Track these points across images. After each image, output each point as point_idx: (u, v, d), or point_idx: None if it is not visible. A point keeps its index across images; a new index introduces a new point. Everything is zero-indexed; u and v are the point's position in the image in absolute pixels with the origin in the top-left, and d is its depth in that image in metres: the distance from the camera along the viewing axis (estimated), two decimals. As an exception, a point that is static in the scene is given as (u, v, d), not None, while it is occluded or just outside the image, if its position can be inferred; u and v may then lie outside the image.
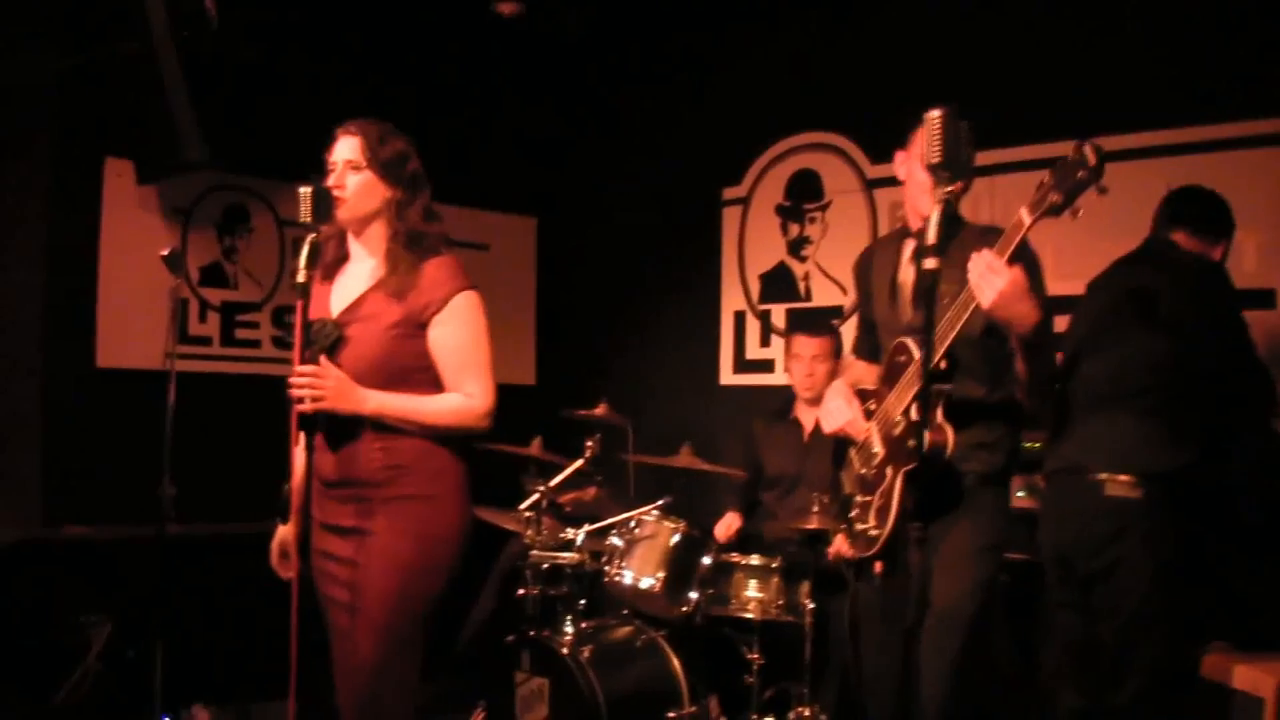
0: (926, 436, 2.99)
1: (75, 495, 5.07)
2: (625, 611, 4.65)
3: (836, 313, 5.55)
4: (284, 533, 3.17)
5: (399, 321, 2.98)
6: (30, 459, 5.07)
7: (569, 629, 4.27)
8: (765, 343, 5.87)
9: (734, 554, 4.53)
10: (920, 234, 3.25)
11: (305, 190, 2.95)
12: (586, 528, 4.43)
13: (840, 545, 4.37)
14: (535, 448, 4.68)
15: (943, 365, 3.01)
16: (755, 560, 4.49)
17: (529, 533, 4.33)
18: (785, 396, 5.30)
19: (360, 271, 3.10)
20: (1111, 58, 4.70)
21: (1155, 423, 3.42)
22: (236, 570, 5.09)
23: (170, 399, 4.19)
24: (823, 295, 5.68)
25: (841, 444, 3.55)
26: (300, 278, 2.93)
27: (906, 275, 3.34)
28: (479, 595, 5.00)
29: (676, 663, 4.34)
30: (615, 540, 4.46)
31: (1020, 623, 4.10)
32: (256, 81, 5.16)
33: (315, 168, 5.19)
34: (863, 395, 3.45)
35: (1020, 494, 4.23)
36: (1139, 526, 3.30)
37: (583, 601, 4.43)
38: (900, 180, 3.39)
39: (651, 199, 6.27)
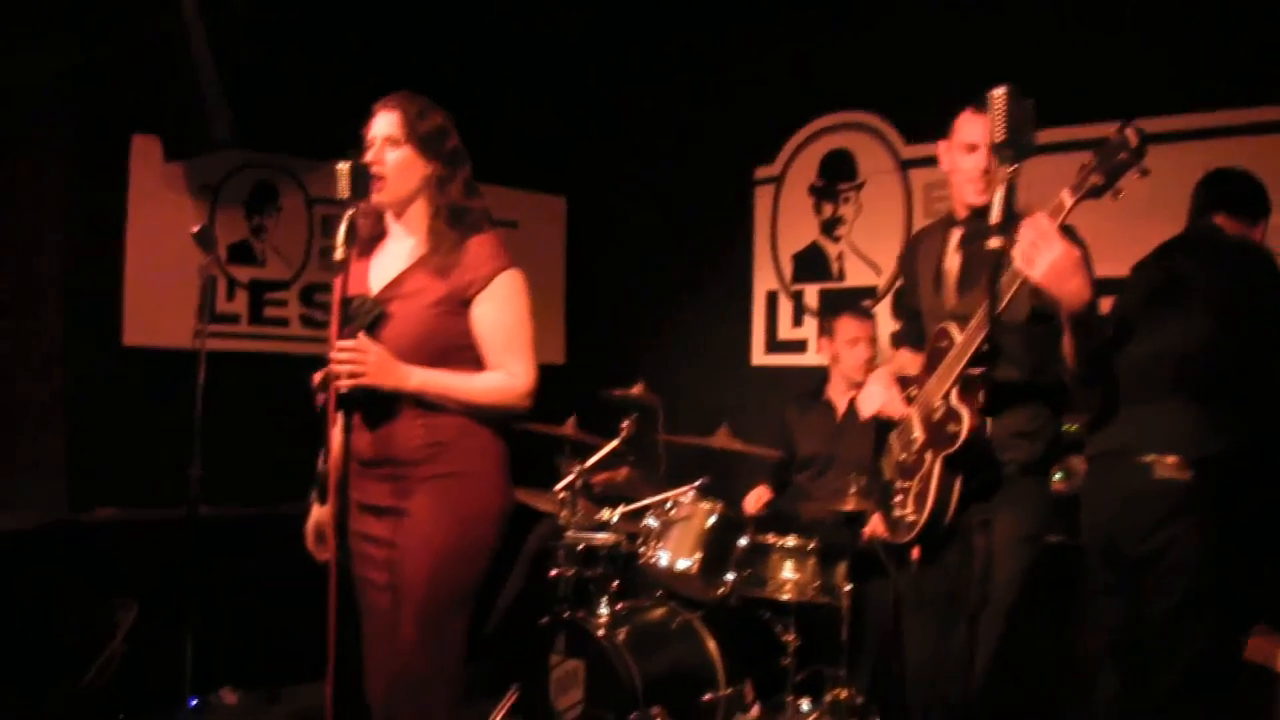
0: (966, 421, 3.04)
1: (101, 477, 5.05)
2: (659, 593, 4.62)
3: (870, 293, 5.49)
4: (320, 514, 3.10)
5: (442, 299, 2.93)
6: (56, 440, 5.04)
7: (604, 611, 4.22)
8: (798, 323, 5.81)
9: (770, 535, 4.48)
10: (966, 222, 3.30)
11: (343, 166, 2.89)
12: (622, 508, 4.39)
13: (875, 525, 4.37)
14: (570, 427, 4.63)
15: (985, 348, 3.00)
16: (791, 542, 4.44)
17: (564, 513, 4.29)
18: (818, 378, 5.25)
19: (400, 248, 3.05)
20: (1150, 39, 4.63)
21: (1202, 406, 3.37)
22: (265, 552, 5.08)
23: (200, 379, 4.14)
24: (856, 276, 5.62)
25: (883, 430, 3.54)
26: (338, 254, 2.87)
27: (952, 263, 3.34)
28: (508, 577, 4.97)
29: (712, 645, 4.30)
30: (651, 521, 4.41)
31: (1056, 606, 4.06)
32: (286, 58, 5.10)
33: (346, 145, 5.15)
34: (904, 382, 3.44)
35: (1056, 477, 4.17)
36: (1189, 510, 3.25)
37: (615, 583, 4.39)
38: (944, 169, 3.37)
39: (683, 178, 6.20)
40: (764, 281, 5.94)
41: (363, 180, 2.90)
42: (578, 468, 4.31)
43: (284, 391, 4.93)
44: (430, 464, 2.93)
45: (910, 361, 3.56)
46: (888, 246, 5.47)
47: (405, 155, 2.97)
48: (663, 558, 4.35)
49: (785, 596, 4.37)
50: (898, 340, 3.77)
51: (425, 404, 2.92)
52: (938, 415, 3.17)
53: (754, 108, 5.94)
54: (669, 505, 4.42)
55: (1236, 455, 3.32)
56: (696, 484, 4.40)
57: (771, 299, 5.91)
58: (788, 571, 4.43)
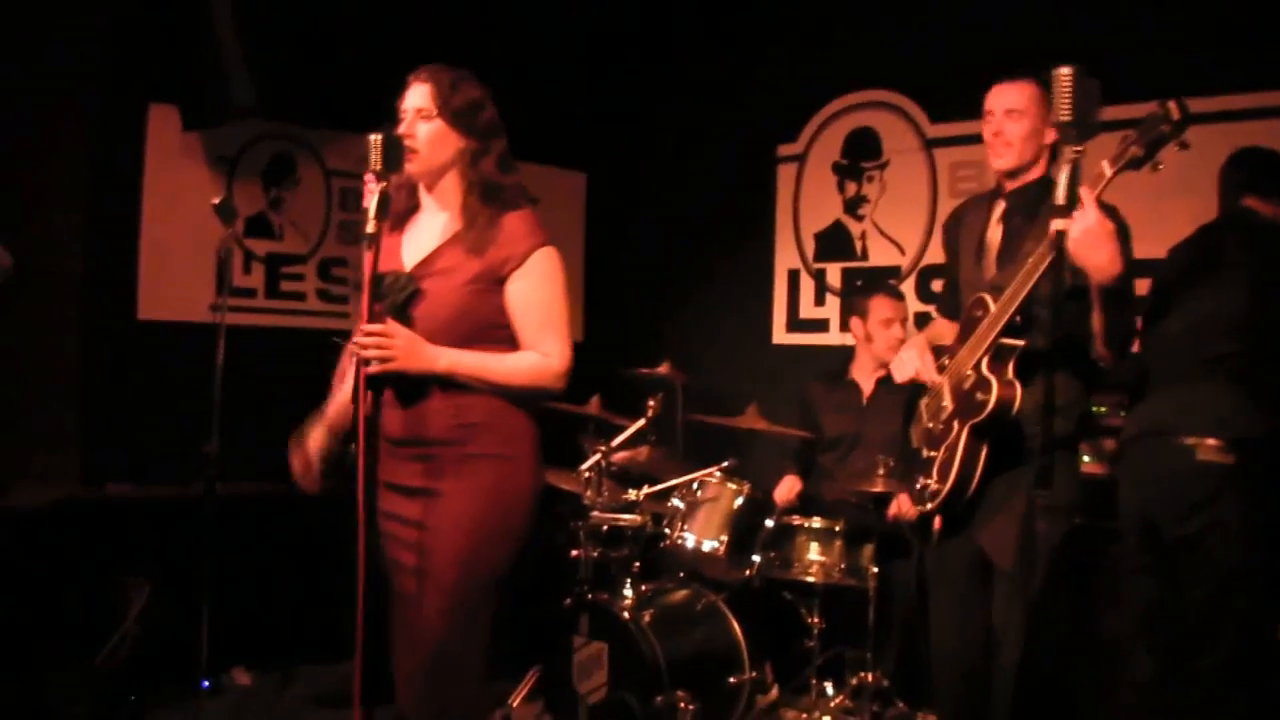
0: (995, 390, 3.04)
1: (115, 453, 4.98)
2: (681, 574, 4.57)
3: (894, 272, 5.44)
4: (313, 440, 3.18)
5: (476, 277, 2.85)
6: (70, 415, 4.98)
7: (629, 592, 4.17)
8: (820, 302, 5.76)
9: (795, 517, 4.44)
10: (1010, 195, 3.27)
11: (375, 138, 2.80)
12: (647, 489, 4.34)
13: (899, 506, 4.34)
14: (594, 406, 4.58)
15: (1018, 320, 3.05)
16: (817, 523, 4.40)
17: (588, 493, 4.23)
18: (841, 357, 5.20)
19: (433, 224, 2.98)
20: (1182, 19, 4.59)
21: (1241, 388, 3.39)
22: (279, 530, 5.04)
23: (219, 354, 4.07)
24: (880, 255, 5.57)
25: (914, 401, 3.51)
26: (370, 228, 2.78)
27: (994, 235, 3.31)
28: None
29: (737, 627, 4.25)
30: (676, 502, 4.36)
31: (1081, 587, 4.02)
32: (306, 29, 5.03)
33: (364, 117, 5.08)
34: (938, 351, 3.42)
35: (1085, 459, 4.13)
36: (1232, 492, 3.25)
37: (635, 564, 4.35)
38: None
39: (704, 154, 6.13)
40: (786, 260, 5.88)
41: (395, 152, 2.82)
42: (603, 447, 4.24)
43: (300, 366, 4.91)
44: (463, 444, 2.86)
45: (946, 331, 3.54)
46: (912, 226, 5.42)
47: (437, 129, 2.89)
48: (689, 539, 4.30)
49: (811, 578, 4.33)
50: (939, 310, 3.74)
51: (458, 384, 2.85)
52: (968, 384, 3.17)
53: (777, 85, 5.87)
54: (695, 486, 4.37)
55: (1277, 437, 3.31)
56: (724, 465, 4.35)
57: (793, 277, 5.85)
58: (813, 553, 4.39)
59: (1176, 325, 3.49)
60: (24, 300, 4.74)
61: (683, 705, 3.92)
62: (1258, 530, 3.30)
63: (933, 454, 3.32)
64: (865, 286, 5.07)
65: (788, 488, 4.89)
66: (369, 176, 4.57)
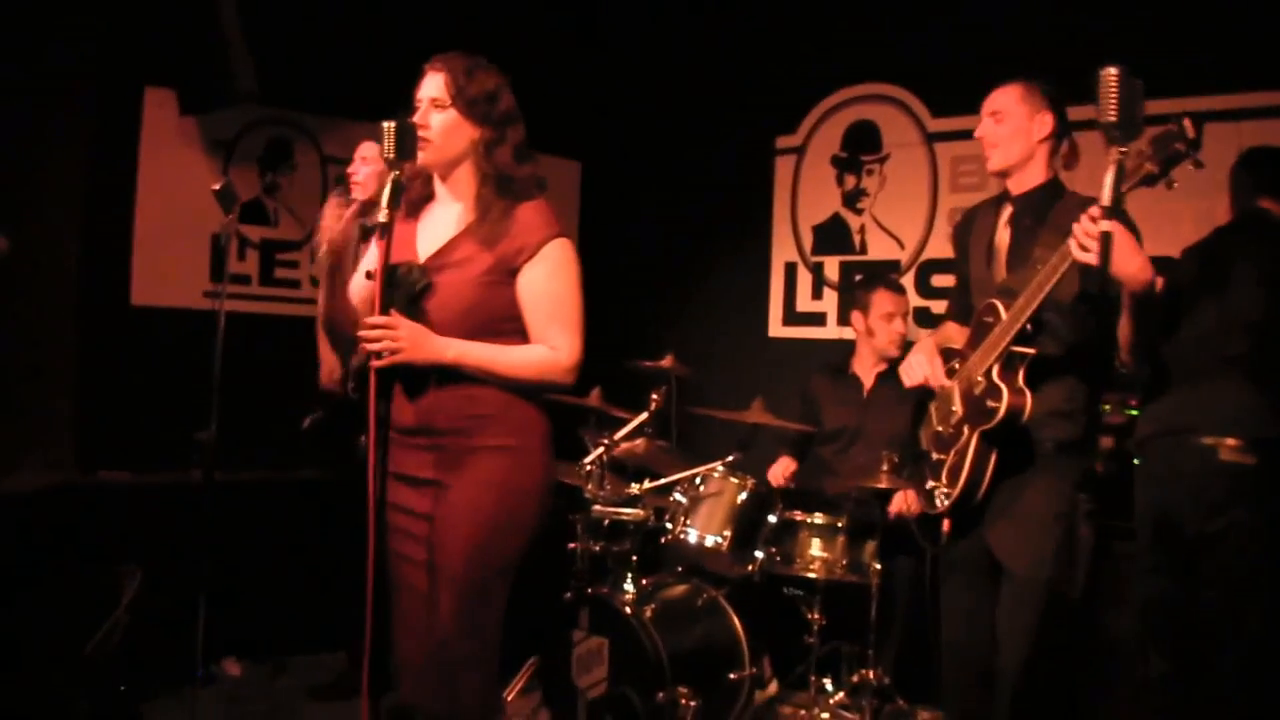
0: (1006, 398, 3.06)
1: (108, 439, 4.92)
2: (680, 569, 4.56)
3: (893, 267, 5.42)
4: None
5: (490, 269, 2.82)
6: (63, 401, 4.91)
7: (629, 587, 4.15)
8: (817, 295, 5.73)
9: (798, 512, 4.42)
10: (1017, 199, 3.29)
11: (388, 125, 2.76)
12: (648, 483, 4.31)
13: (899, 503, 4.33)
14: (595, 398, 4.54)
15: (1028, 328, 3.07)
16: (819, 519, 4.38)
17: (589, 487, 4.20)
18: (838, 350, 5.20)
19: (447, 214, 2.93)
20: (1191, 16, 4.57)
21: (1259, 387, 3.38)
22: (272, 519, 5.00)
23: (219, 341, 4.01)
24: (879, 249, 5.54)
25: (923, 403, 3.52)
26: (382, 216, 2.75)
27: (1002, 237, 3.33)
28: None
29: (737, 622, 4.24)
30: (678, 497, 4.34)
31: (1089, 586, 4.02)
32: (306, 14, 4.97)
33: (361, 104, 5.05)
34: (947, 354, 3.43)
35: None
36: (1254, 493, 3.25)
37: (633, 558, 4.33)
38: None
39: (701, 144, 6.08)
40: (783, 253, 5.85)
41: (407, 140, 2.78)
42: (606, 440, 4.21)
43: (293, 353, 4.87)
44: (473, 435, 2.83)
45: (955, 334, 3.54)
46: (912, 220, 5.40)
47: (451, 118, 2.85)
48: (692, 534, 4.28)
49: (813, 574, 4.32)
50: (948, 313, 3.72)
51: (468, 375, 2.82)
52: (978, 390, 3.18)
53: (776, 76, 5.83)
54: (698, 480, 4.35)
55: None
56: (728, 459, 4.33)
57: (790, 270, 5.83)
58: (816, 549, 4.38)
59: (1192, 325, 3.49)
60: (18, 285, 4.68)
61: (684, 701, 3.90)
62: (1278, 531, 3.30)
63: (942, 457, 3.34)
64: (866, 280, 5.04)
65: (782, 468, 4.89)
66: (358, 158, 4.59)
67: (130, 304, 5.03)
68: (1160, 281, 3.00)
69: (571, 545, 4.28)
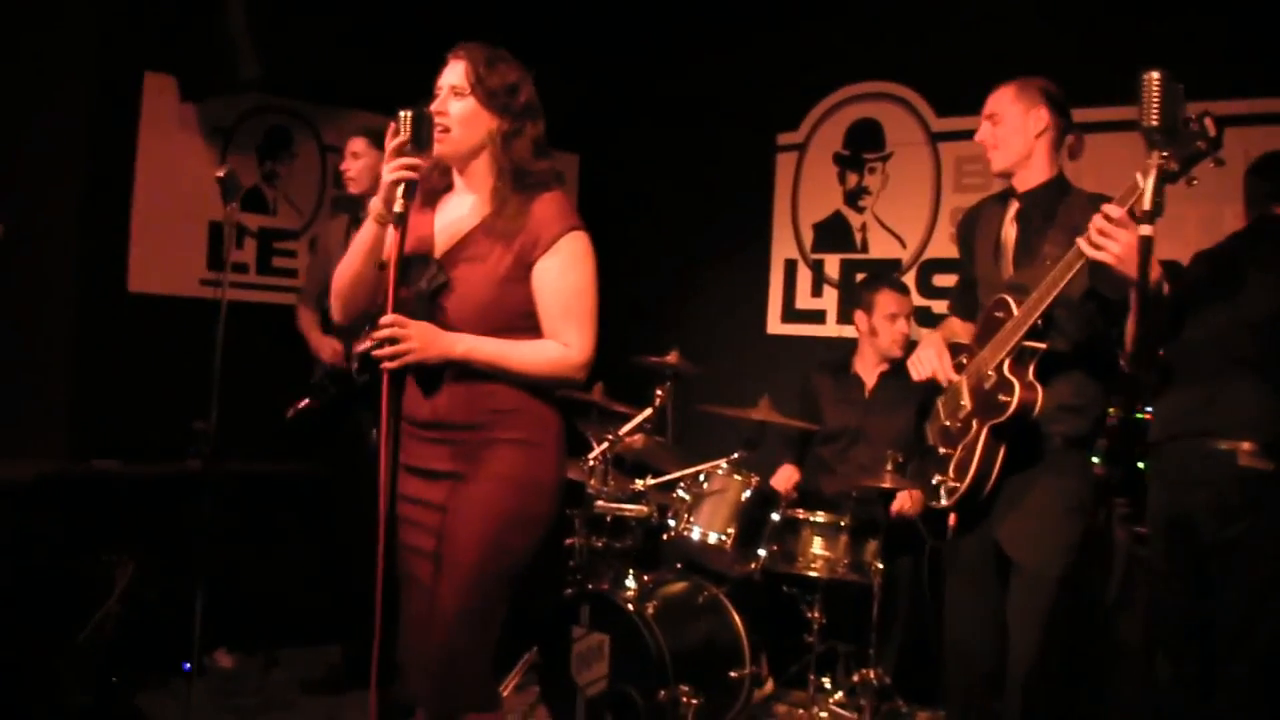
0: (1018, 392, 3.09)
1: (101, 428, 4.85)
2: (679, 565, 4.54)
3: (894, 265, 5.41)
4: None
5: (508, 266, 2.78)
6: (57, 388, 4.85)
7: (631, 583, 4.12)
8: (817, 293, 5.71)
9: (800, 510, 4.40)
10: (1023, 196, 3.31)
11: (405, 113, 2.73)
12: (652, 479, 4.29)
13: (901, 503, 4.33)
14: (597, 393, 4.51)
15: (1039, 323, 3.10)
16: (823, 518, 4.36)
17: (593, 482, 4.18)
18: (837, 348, 5.18)
19: (465, 206, 2.89)
20: (1195, 17, 4.58)
21: (1273, 389, 3.37)
22: (266, 510, 4.95)
23: (220, 330, 3.96)
24: (880, 248, 5.53)
25: (929, 398, 3.54)
26: (397, 207, 2.72)
27: (1009, 234, 3.34)
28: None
29: (738, 620, 4.22)
30: (681, 493, 4.32)
31: (1093, 589, 4.03)
32: (304, 2, 4.92)
33: (362, 93, 5.01)
34: (954, 349, 3.44)
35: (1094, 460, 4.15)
36: (1269, 497, 3.23)
37: (628, 553, 4.31)
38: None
39: (701, 139, 6.04)
40: (782, 249, 5.83)
41: (424, 129, 2.74)
42: (611, 436, 4.19)
43: (290, 344, 4.82)
44: (490, 429, 2.80)
45: (960, 330, 3.57)
46: (914, 219, 5.39)
47: (470, 106, 2.81)
48: (695, 531, 4.26)
49: (815, 573, 4.30)
50: (951, 309, 3.75)
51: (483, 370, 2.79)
52: (988, 385, 3.20)
53: (779, 73, 5.80)
54: (701, 477, 4.33)
55: None
56: (733, 456, 4.31)
57: (790, 267, 5.81)
58: (817, 548, 4.36)
59: (1204, 328, 3.49)
60: (14, 270, 4.63)
61: (685, 699, 3.88)
62: None
63: (949, 451, 3.35)
64: (870, 280, 5.02)
65: (785, 477, 4.86)
66: (349, 154, 4.55)
67: (127, 291, 4.96)
68: (1167, 285, 3.03)
69: (570, 541, 4.26)
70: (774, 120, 5.86)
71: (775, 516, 4.33)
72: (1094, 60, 4.70)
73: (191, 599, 4.00)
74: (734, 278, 5.96)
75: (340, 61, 5.18)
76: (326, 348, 4.65)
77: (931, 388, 3.48)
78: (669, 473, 4.46)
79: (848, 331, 5.20)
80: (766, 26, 5.85)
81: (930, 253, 5.34)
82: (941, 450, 3.39)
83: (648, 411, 4.34)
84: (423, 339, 2.70)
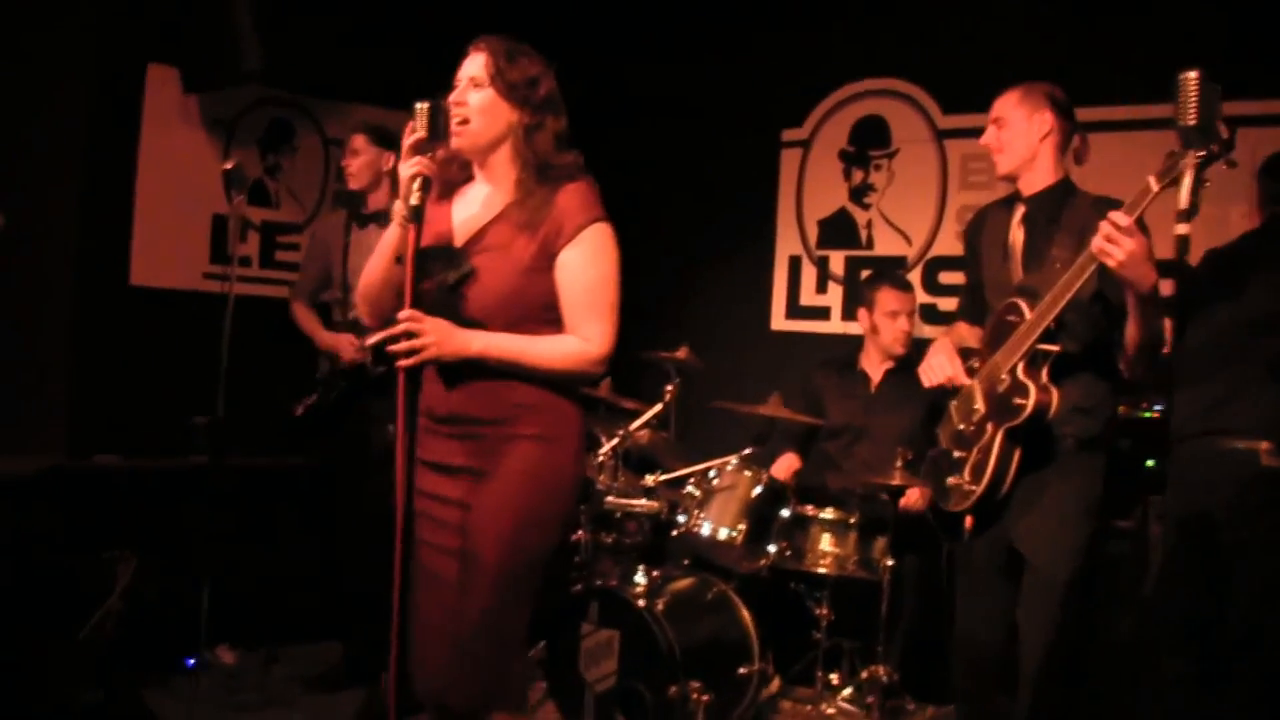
0: (1033, 395, 3.12)
1: (102, 422, 4.82)
2: (686, 562, 4.52)
3: (900, 263, 5.39)
4: None
5: (531, 257, 2.75)
6: (57, 383, 4.81)
7: (640, 579, 4.10)
8: (821, 289, 5.69)
9: (809, 507, 4.39)
10: (1029, 200, 3.36)
11: (422, 105, 2.71)
12: (662, 475, 4.28)
13: (910, 499, 4.32)
14: (604, 389, 4.50)
15: (1052, 327, 3.14)
16: (832, 515, 4.35)
17: (602, 478, 4.16)
18: (842, 345, 5.17)
19: (485, 198, 2.86)
20: (1202, 17, 4.57)
21: None
22: (267, 505, 4.92)
23: (227, 324, 3.93)
24: (886, 244, 5.51)
25: (940, 402, 3.56)
26: (413, 200, 2.69)
27: (1016, 237, 3.38)
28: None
29: (747, 617, 4.21)
30: (690, 489, 4.30)
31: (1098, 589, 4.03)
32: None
33: (365, 86, 4.96)
34: (965, 354, 3.46)
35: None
36: None
37: (636, 549, 4.29)
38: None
39: (705, 136, 6.00)
40: (787, 246, 5.80)
41: (440, 120, 2.72)
42: (621, 432, 4.17)
43: (293, 338, 4.79)
44: (512, 424, 2.77)
45: (968, 335, 3.59)
46: (920, 217, 5.37)
47: (489, 97, 2.78)
48: (705, 527, 4.24)
49: (823, 570, 4.29)
50: (959, 313, 3.77)
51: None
52: (1002, 388, 3.22)
53: (784, 69, 5.77)
54: (711, 473, 4.32)
55: None
56: (745, 452, 4.30)
57: (794, 264, 5.78)
58: (826, 544, 4.35)
59: (1214, 328, 3.48)
60: (14, 262, 4.58)
61: (695, 695, 3.85)
62: None
63: (964, 455, 3.36)
64: (872, 277, 5.02)
65: (785, 465, 4.85)
66: (349, 150, 4.52)
67: (129, 284, 4.92)
68: (1166, 285, 3.06)
69: (577, 536, 4.24)
70: (778, 117, 5.83)
71: (785, 513, 4.31)
72: (1100, 59, 4.72)
73: (193, 595, 3.98)
74: (738, 274, 5.93)
75: (342, 54, 5.15)
76: (348, 348, 4.59)
77: (942, 391, 3.49)
78: (673, 468, 4.45)
79: (853, 328, 5.19)
80: (771, 23, 5.81)
81: (936, 250, 5.32)
82: (956, 453, 3.40)
83: (658, 407, 4.33)
84: (439, 335, 2.67)
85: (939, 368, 3.42)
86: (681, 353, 4.48)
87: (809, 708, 4.32)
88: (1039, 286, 3.19)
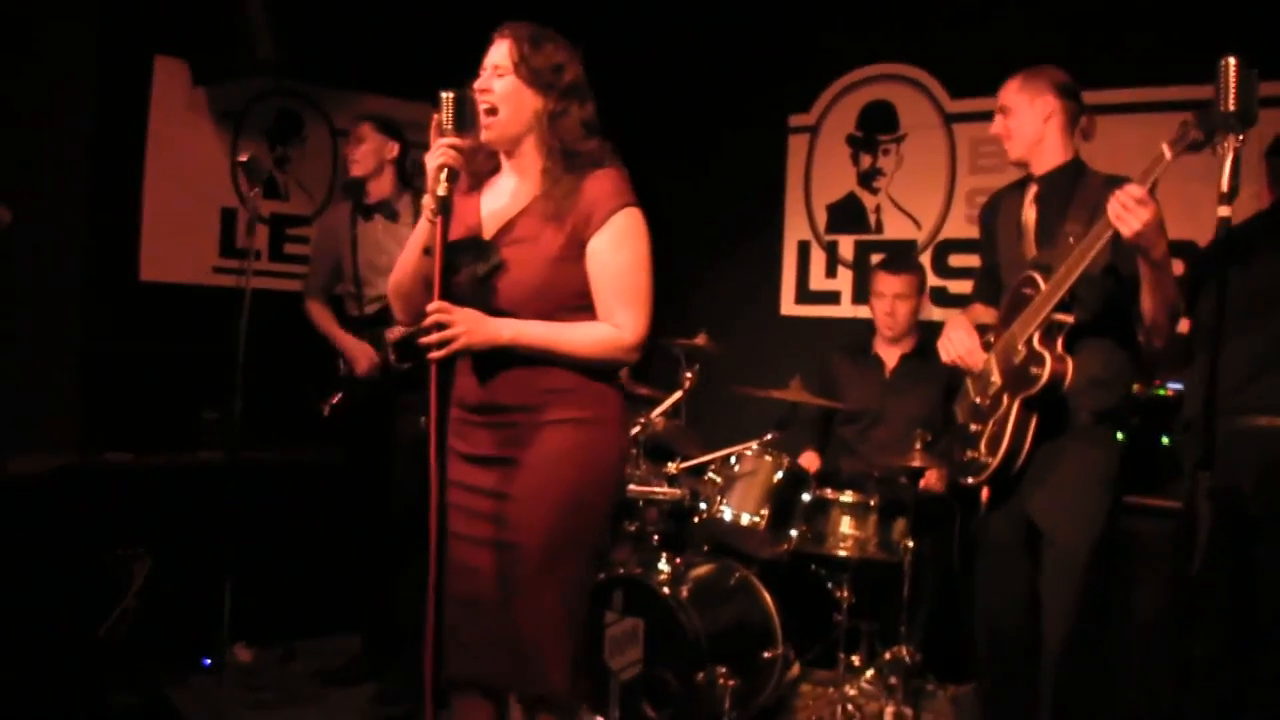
0: (1049, 364, 3.19)
1: (114, 419, 4.80)
2: (705, 548, 4.52)
3: (910, 246, 5.40)
4: None
5: (562, 246, 2.74)
6: (68, 380, 4.78)
7: (664, 566, 4.09)
8: (831, 274, 5.69)
9: (829, 490, 4.39)
10: (1041, 180, 3.43)
11: (447, 95, 2.70)
12: (684, 462, 4.27)
13: (929, 480, 4.34)
14: (622, 377, 4.47)
15: (1067, 298, 3.21)
16: (851, 498, 4.35)
17: (624, 467, 4.14)
18: (852, 329, 5.18)
19: (513, 189, 2.85)
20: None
21: None
22: (279, 501, 4.89)
23: (244, 319, 3.90)
24: (895, 228, 5.51)
25: (957, 378, 3.62)
26: (440, 191, 2.68)
27: (1029, 216, 3.46)
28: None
29: (769, 601, 4.21)
30: (713, 475, 4.30)
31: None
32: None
33: (372, 76, 4.90)
34: (980, 330, 3.52)
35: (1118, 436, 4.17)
36: None
37: (656, 537, 4.29)
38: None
39: (712, 121, 5.98)
40: (795, 231, 5.79)
41: (466, 110, 2.71)
42: (643, 419, 4.16)
43: (304, 332, 4.76)
44: (543, 410, 2.76)
45: (984, 315, 3.63)
46: (929, 200, 5.37)
47: (513, 85, 2.76)
48: (727, 512, 4.24)
49: (844, 553, 4.29)
50: (974, 295, 3.81)
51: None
52: (1018, 359, 3.28)
53: (791, 55, 5.76)
54: (732, 459, 4.31)
55: None
56: (766, 438, 4.30)
57: (803, 249, 5.77)
58: (846, 527, 4.34)
59: (1228, 306, 3.49)
60: (21, 258, 4.55)
61: (722, 681, 3.86)
62: None
63: (980, 429, 3.42)
64: (876, 264, 5.06)
65: (807, 462, 4.83)
66: (354, 138, 4.49)
67: (139, 280, 4.89)
68: (1177, 265, 3.13)
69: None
70: (786, 102, 5.82)
71: (806, 498, 4.31)
72: (1107, 42, 4.72)
73: (210, 592, 3.96)
74: (747, 260, 5.91)
75: (350, 45, 5.12)
76: (363, 360, 4.56)
77: (955, 370, 3.55)
78: (689, 454, 4.44)
79: (863, 312, 5.20)
80: (777, 9, 5.78)
81: (946, 233, 5.32)
82: (973, 427, 3.45)
83: (678, 394, 4.32)
84: (469, 325, 2.66)
85: (958, 341, 3.49)
86: (700, 339, 4.47)
87: (831, 690, 4.32)
88: (1053, 261, 3.24)
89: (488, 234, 2.82)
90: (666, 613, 3.91)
